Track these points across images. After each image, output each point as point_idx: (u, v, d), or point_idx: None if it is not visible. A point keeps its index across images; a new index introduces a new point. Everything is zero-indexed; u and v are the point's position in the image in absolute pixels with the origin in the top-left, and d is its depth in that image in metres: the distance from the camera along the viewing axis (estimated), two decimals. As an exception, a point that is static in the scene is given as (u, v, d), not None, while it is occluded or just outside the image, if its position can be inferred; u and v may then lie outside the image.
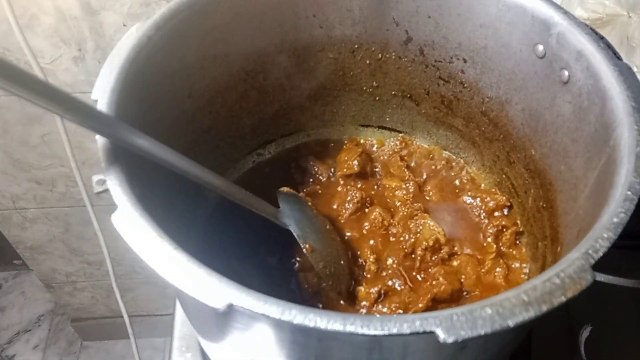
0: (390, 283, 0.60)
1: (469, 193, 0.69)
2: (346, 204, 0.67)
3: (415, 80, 0.70)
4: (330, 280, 0.57)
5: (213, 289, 0.33)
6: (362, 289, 0.59)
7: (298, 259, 0.62)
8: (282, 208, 0.59)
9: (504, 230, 0.64)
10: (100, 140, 0.42)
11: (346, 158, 0.70)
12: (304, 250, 0.57)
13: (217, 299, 0.32)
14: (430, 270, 0.60)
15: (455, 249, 0.63)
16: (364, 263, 0.62)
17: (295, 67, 0.68)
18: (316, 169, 0.71)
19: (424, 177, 0.72)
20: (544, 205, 0.59)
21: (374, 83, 0.71)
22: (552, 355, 0.63)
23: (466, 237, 0.65)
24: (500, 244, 0.64)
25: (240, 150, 0.71)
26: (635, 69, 0.69)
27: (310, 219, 0.61)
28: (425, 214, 0.65)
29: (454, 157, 0.74)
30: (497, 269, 0.60)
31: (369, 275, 0.61)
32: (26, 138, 1.00)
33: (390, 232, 0.65)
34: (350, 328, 0.31)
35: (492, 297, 0.33)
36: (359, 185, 0.70)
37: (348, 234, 0.65)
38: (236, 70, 0.64)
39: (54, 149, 1.02)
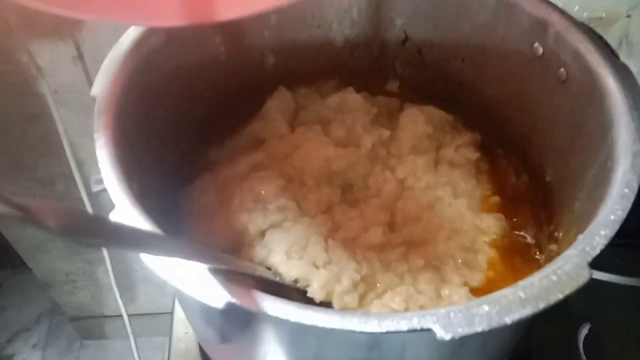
0: None
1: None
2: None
3: (413, 80, 0.70)
4: None
5: (212, 288, 0.33)
6: None
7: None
8: None
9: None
10: (99, 140, 0.42)
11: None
12: None
13: (216, 298, 0.33)
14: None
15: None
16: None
17: (294, 68, 0.68)
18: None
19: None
20: (543, 204, 0.59)
21: (373, 83, 0.72)
22: (550, 353, 0.63)
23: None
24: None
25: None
26: (634, 69, 0.69)
27: None
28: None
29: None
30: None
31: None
32: (25, 137, 1.00)
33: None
34: (347, 325, 0.31)
35: (490, 295, 0.33)
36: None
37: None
38: (235, 70, 0.64)
39: (53, 148, 1.02)
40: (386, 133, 0.60)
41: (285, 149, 0.57)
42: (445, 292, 0.51)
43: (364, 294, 0.49)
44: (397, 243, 0.53)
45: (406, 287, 0.50)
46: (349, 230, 0.53)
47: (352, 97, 0.62)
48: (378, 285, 0.50)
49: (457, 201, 0.58)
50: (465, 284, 0.52)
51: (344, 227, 0.53)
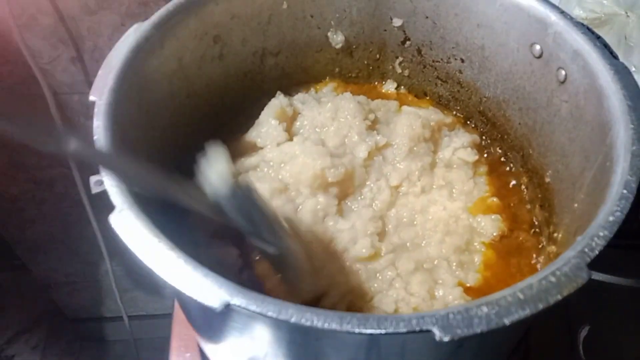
0: None
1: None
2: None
3: (413, 80, 0.70)
4: (293, 286, 0.50)
5: (210, 288, 0.33)
6: None
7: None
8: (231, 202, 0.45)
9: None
10: (98, 141, 0.42)
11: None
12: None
13: (214, 298, 0.33)
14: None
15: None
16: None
17: (293, 68, 0.68)
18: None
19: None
20: (542, 205, 0.59)
21: (372, 83, 0.72)
22: (550, 354, 0.63)
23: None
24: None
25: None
26: (633, 69, 0.69)
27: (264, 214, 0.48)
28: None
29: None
30: None
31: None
32: (25, 138, 1.00)
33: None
34: (347, 327, 0.31)
35: (489, 296, 0.33)
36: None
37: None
38: (234, 71, 0.64)
39: (52, 149, 1.02)
40: (382, 140, 0.60)
41: (282, 156, 0.57)
42: (439, 292, 0.51)
43: (351, 304, 0.50)
44: (385, 251, 0.53)
45: (396, 291, 0.51)
46: (339, 243, 0.53)
47: (349, 104, 0.61)
48: (367, 294, 0.51)
49: (453, 204, 0.58)
50: (460, 284, 0.52)
51: (336, 238, 0.53)
